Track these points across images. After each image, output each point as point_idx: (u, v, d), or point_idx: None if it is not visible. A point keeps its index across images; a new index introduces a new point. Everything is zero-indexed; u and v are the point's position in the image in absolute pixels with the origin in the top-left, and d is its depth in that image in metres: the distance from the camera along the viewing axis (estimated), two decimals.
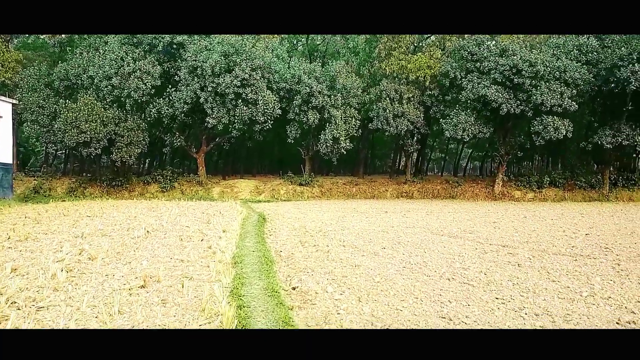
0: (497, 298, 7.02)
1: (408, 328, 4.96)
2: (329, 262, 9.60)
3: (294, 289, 7.49)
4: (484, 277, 8.43)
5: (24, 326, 5.00)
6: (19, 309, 5.77)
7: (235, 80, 27.29)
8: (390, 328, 4.93)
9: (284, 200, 29.63)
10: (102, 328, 4.59)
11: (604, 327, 5.80)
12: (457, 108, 29.42)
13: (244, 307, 6.01)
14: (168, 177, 31.56)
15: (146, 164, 44.21)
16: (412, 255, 10.52)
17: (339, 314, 6.20)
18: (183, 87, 28.77)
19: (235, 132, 29.66)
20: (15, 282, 6.94)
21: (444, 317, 6.11)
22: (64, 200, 26.29)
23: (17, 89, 30.29)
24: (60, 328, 4.75)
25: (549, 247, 11.63)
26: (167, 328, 4.63)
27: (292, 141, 31.57)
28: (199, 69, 28.07)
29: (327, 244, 11.85)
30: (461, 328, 5.06)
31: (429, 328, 4.94)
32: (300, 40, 43.22)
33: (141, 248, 10.37)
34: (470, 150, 49.92)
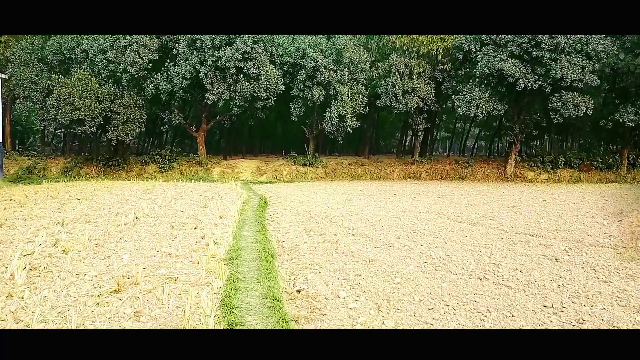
0: (545, 306, 5.79)
1: (408, 328, 4.65)
2: (338, 256, 8.38)
3: (298, 291, 6.29)
4: (521, 275, 7.19)
5: None
6: None
7: (237, 54, 25.74)
8: (390, 328, 4.36)
9: (287, 182, 28.38)
10: (102, 328, 4.29)
11: None
12: (470, 83, 27.78)
13: (236, 324, 4.80)
14: (167, 157, 30.25)
15: (147, 144, 42.92)
16: (432, 247, 9.28)
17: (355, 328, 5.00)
18: (182, 62, 27.23)
19: (236, 109, 28.23)
20: None
21: None
22: (58, 181, 25.09)
23: (9, 64, 28.81)
24: (60, 328, 4.51)
25: (583, 237, 10.37)
26: (167, 328, 4.28)
27: (296, 119, 30.09)
28: (198, 41, 26.50)
29: (334, 232, 10.62)
30: (461, 328, 4.18)
31: (429, 328, 4.39)
32: None
33: (126, 238, 9.16)
34: (478, 130, 48.22)
